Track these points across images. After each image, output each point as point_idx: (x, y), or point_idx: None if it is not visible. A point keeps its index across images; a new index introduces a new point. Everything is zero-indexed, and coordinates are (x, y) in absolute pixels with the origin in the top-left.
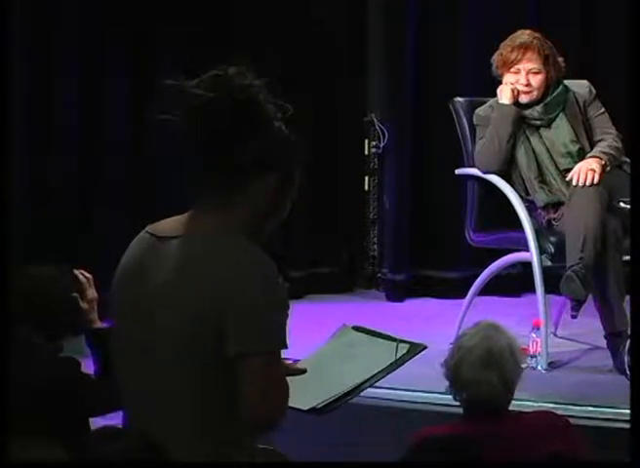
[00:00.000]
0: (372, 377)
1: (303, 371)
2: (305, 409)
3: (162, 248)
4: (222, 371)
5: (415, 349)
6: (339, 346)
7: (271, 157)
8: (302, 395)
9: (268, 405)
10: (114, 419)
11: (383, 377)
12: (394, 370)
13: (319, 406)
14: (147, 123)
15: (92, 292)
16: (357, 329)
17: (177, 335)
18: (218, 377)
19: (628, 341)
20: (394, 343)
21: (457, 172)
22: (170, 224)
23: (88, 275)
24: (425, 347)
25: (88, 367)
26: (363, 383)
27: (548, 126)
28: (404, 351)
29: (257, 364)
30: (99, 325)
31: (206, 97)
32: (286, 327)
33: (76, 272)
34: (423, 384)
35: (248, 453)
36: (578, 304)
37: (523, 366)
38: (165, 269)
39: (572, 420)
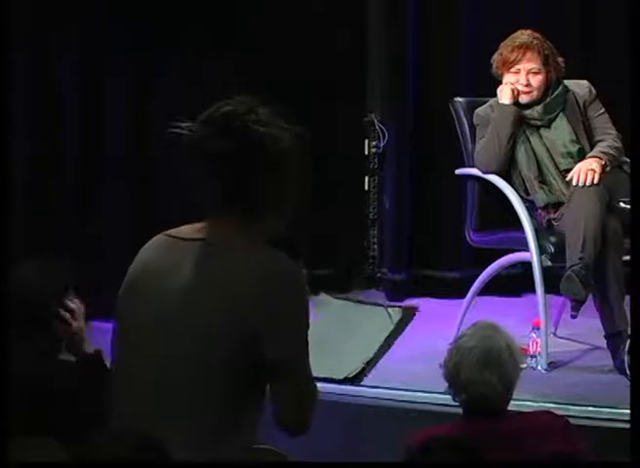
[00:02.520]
0: (384, 342)
1: None
2: (339, 378)
3: (187, 248)
4: (248, 372)
5: (409, 312)
6: (333, 319)
7: (286, 170)
8: (323, 366)
9: (303, 407)
10: None
11: (394, 341)
12: (399, 334)
13: (350, 375)
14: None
15: (77, 325)
16: (336, 297)
17: (203, 338)
18: (242, 378)
19: (628, 341)
20: (381, 308)
21: (457, 172)
22: (189, 230)
23: (73, 306)
24: (417, 308)
25: None
26: (380, 349)
27: (548, 126)
28: (399, 316)
29: (295, 368)
30: (87, 350)
31: (222, 145)
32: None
33: (62, 313)
34: (423, 384)
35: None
36: (578, 304)
37: (523, 366)
38: (192, 271)
39: (572, 420)
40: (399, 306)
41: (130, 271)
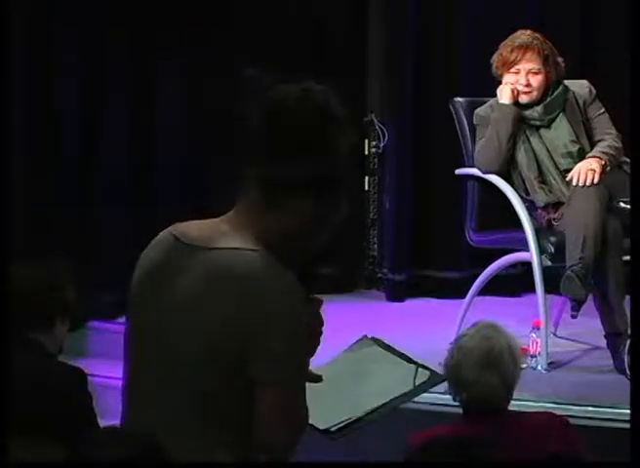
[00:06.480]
0: (387, 403)
1: (319, 379)
2: (321, 428)
3: (188, 256)
4: (237, 388)
5: (434, 378)
6: (357, 359)
7: (321, 180)
8: (318, 410)
9: (280, 434)
10: (114, 419)
11: (400, 404)
12: (412, 398)
13: (333, 428)
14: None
15: None
16: (378, 342)
17: (197, 347)
18: (231, 392)
19: (628, 341)
20: (414, 366)
21: (457, 172)
22: (196, 230)
23: None
24: (445, 379)
25: (89, 366)
26: (377, 409)
27: (548, 126)
28: (424, 378)
29: (275, 394)
30: None
31: (289, 106)
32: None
33: None
34: None
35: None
36: (578, 304)
37: (523, 366)
38: (190, 280)
39: (572, 420)
40: (431, 369)
41: (139, 268)
